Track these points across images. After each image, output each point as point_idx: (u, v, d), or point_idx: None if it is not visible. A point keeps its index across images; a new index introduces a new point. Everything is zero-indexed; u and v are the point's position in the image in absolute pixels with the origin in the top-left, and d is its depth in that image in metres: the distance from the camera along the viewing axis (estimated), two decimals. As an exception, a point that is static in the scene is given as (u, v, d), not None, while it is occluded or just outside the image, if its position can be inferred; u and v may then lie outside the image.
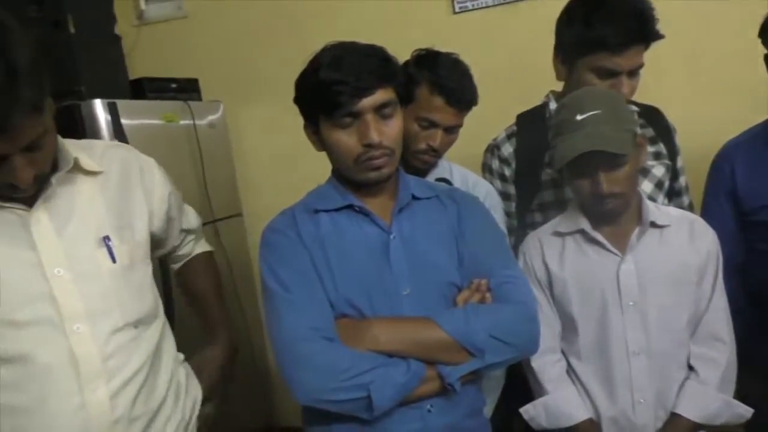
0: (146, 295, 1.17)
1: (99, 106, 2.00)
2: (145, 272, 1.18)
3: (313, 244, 1.11)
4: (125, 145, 1.27)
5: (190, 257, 1.45)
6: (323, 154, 1.16)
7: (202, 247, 1.49)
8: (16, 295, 1.00)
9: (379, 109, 1.06)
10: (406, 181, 1.19)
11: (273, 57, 2.58)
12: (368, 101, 1.04)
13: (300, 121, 1.15)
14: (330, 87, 1.03)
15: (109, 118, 2.03)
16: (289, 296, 1.06)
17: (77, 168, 1.09)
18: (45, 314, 1.01)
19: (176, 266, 1.46)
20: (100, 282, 1.07)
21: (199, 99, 2.58)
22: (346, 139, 1.07)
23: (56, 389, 1.01)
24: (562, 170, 1.30)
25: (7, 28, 0.88)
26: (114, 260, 1.09)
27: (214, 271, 1.49)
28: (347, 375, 0.99)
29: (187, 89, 2.52)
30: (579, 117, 1.22)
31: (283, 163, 2.71)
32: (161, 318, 1.22)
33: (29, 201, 1.03)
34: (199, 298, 1.44)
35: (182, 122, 2.39)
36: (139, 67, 2.63)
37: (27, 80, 0.87)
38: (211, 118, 2.58)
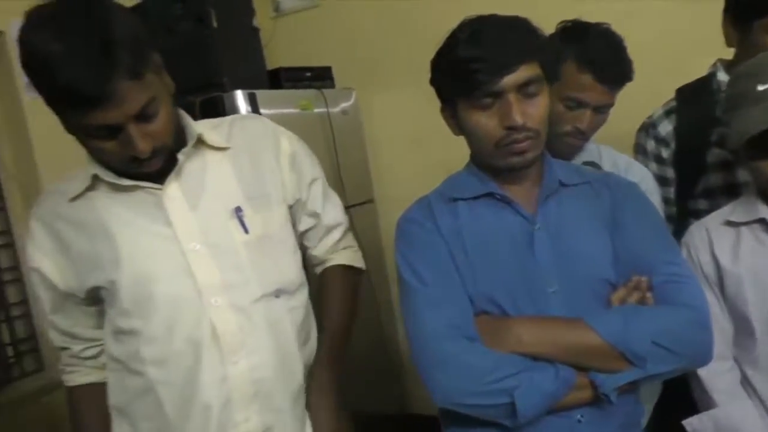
0: (286, 264, 1.14)
1: (240, 97, 2.08)
2: (284, 241, 1.15)
3: (450, 235, 1.04)
4: (253, 115, 1.23)
5: (328, 265, 1.28)
6: (457, 139, 1.08)
7: (344, 258, 1.29)
8: (157, 269, 1.03)
9: (523, 88, 0.96)
10: (551, 166, 1.08)
11: (404, 42, 2.54)
12: (510, 79, 0.94)
13: (433, 105, 1.09)
14: (468, 64, 0.94)
15: (249, 108, 2.10)
16: (426, 291, 1.00)
17: (203, 143, 1.10)
18: (184, 289, 1.03)
19: (317, 270, 1.30)
20: (234, 253, 1.07)
21: (333, 86, 2.60)
22: (486, 121, 0.98)
23: (200, 363, 1.03)
24: (736, 150, 1.13)
25: (106, 4, 0.91)
26: (246, 231, 1.08)
27: (345, 292, 1.26)
28: (490, 378, 0.92)
29: (321, 77, 2.55)
30: (760, 87, 1.05)
31: (415, 148, 2.67)
32: (306, 290, 1.19)
33: (161, 179, 1.05)
34: (323, 317, 1.23)
35: (316, 110, 2.42)
36: (275, 58, 2.71)
37: (124, 48, 0.88)
38: (344, 105, 2.59)
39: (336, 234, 1.28)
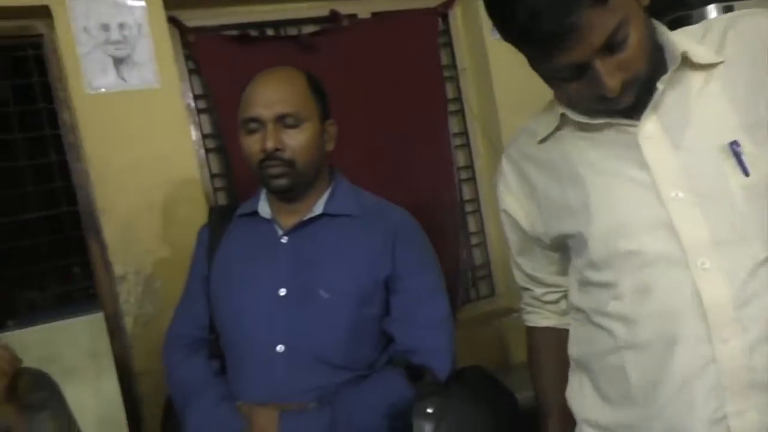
0: None
1: (713, 12, 1.77)
2: None
3: None
4: (760, 10, 0.92)
5: None
6: None
7: None
8: (631, 221, 0.90)
9: None
10: None
11: None
12: None
13: None
14: None
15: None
16: None
17: (687, 63, 0.89)
18: (664, 245, 0.88)
19: None
20: (729, 203, 0.86)
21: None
22: None
23: (681, 334, 0.87)
24: None
25: None
26: (746, 172, 0.85)
27: None
28: None
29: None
30: None
31: None
32: None
33: (635, 113, 0.89)
34: None
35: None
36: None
37: None
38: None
39: None
